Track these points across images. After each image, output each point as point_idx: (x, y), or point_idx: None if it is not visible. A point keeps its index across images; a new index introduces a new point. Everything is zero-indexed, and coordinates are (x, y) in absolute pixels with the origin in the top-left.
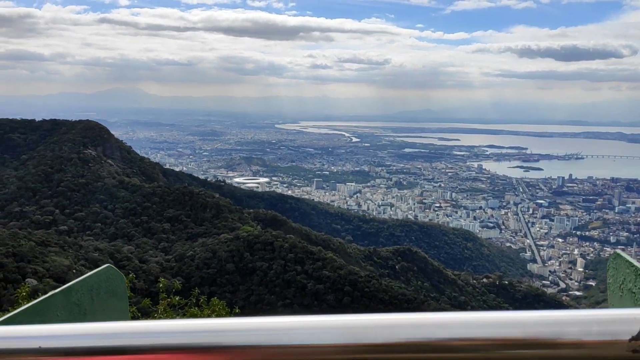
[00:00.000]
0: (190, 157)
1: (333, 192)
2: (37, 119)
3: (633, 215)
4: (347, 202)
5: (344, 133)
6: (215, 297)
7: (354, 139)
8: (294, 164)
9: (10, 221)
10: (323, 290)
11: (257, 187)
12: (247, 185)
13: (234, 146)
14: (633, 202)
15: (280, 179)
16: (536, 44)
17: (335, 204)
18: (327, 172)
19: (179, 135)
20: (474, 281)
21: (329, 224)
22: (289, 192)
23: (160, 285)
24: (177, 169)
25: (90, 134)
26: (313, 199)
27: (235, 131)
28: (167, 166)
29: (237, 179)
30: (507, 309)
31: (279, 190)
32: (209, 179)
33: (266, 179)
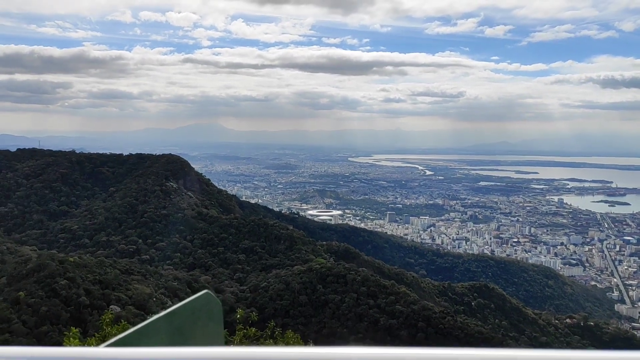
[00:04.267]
0: (266, 189)
1: (406, 225)
2: (124, 154)
3: None
4: (420, 236)
5: (417, 166)
6: (290, 330)
7: (428, 172)
8: (366, 196)
9: (98, 250)
10: (396, 325)
11: (330, 220)
12: (321, 217)
13: (308, 179)
14: None
15: (353, 211)
16: (620, 74)
17: (409, 237)
18: (400, 205)
19: (255, 169)
20: (556, 321)
21: (402, 258)
22: (362, 224)
23: (238, 316)
24: (252, 201)
25: (172, 167)
26: (386, 232)
27: (309, 164)
28: (244, 198)
29: (310, 212)
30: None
31: (351, 223)
32: (283, 211)
33: (339, 212)
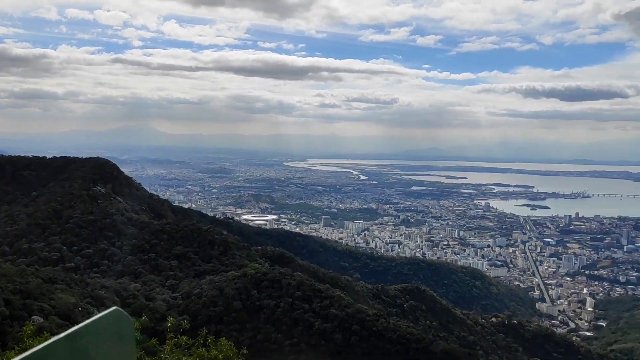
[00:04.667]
0: (199, 194)
1: (341, 229)
2: (48, 156)
3: None
4: (354, 240)
5: (352, 171)
6: (224, 337)
7: (362, 177)
8: (302, 201)
9: (19, 258)
10: (330, 329)
11: (266, 224)
12: (256, 222)
13: (243, 183)
14: None
15: (289, 216)
16: (541, 85)
17: (343, 242)
18: (335, 210)
19: (188, 173)
20: (483, 320)
21: (337, 262)
22: (297, 229)
23: (169, 324)
24: (185, 206)
25: (100, 171)
26: (321, 236)
27: (244, 169)
28: (176, 203)
29: (245, 216)
30: (516, 349)
31: (287, 228)
32: (217, 216)
33: (274, 216)
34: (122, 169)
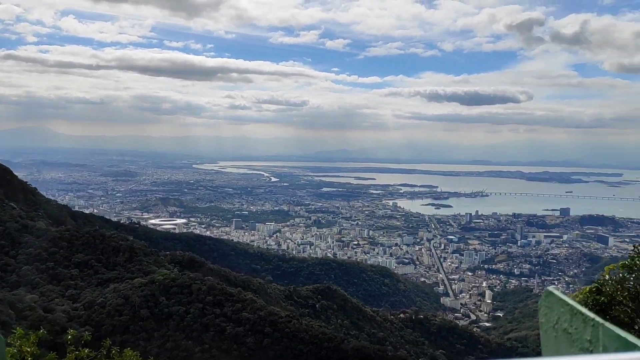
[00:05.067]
0: (102, 198)
1: (252, 231)
2: None
3: (534, 248)
4: (266, 242)
5: (263, 173)
6: (129, 348)
7: (273, 179)
8: (212, 204)
9: None
10: (243, 333)
11: (174, 229)
12: (164, 226)
13: (150, 187)
14: (533, 236)
15: (199, 219)
16: (443, 89)
17: (255, 244)
18: (247, 212)
19: (90, 176)
20: (392, 317)
21: (249, 265)
22: (208, 232)
23: (69, 336)
24: (87, 212)
25: None
26: (232, 240)
27: (151, 171)
28: (77, 208)
29: (152, 221)
30: (423, 342)
31: (197, 231)
32: (122, 221)
33: (184, 220)
34: (16, 173)
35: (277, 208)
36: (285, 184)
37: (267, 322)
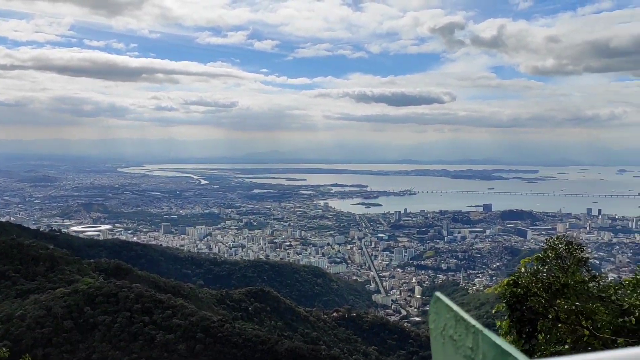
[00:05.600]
0: (19, 205)
1: (182, 236)
2: None
3: (459, 243)
4: (197, 246)
5: (192, 176)
6: None
7: (203, 182)
8: (139, 208)
9: None
10: (174, 340)
11: (99, 235)
12: (87, 233)
13: (71, 192)
14: (459, 232)
15: (125, 225)
16: (370, 90)
17: (185, 248)
18: (176, 216)
19: (5, 182)
20: (325, 316)
21: (179, 270)
22: (135, 238)
23: None
24: (3, 220)
25: None
26: (161, 245)
27: (72, 176)
28: None
29: (74, 228)
30: (356, 340)
31: (123, 238)
32: (41, 229)
33: (109, 226)
34: None
35: (207, 211)
36: (215, 186)
37: (199, 327)
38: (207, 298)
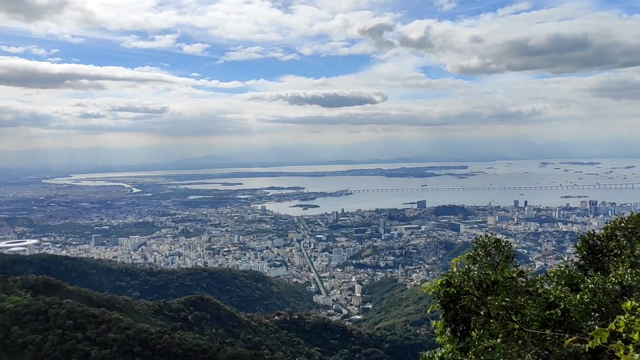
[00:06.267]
0: None
1: (115, 247)
2: None
3: (396, 240)
4: (131, 256)
5: (123, 184)
6: None
7: (135, 190)
8: (67, 220)
9: None
10: (110, 355)
11: (24, 251)
12: (12, 249)
13: None
14: (395, 229)
15: (52, 238)
16: (304, 92)
17: (119, 260)
18: (107, 227)
19: None
20: (267, 320)
21: (113, 282)
22: (64, 252)
23: None
24: None
25: None
26: (92, 257)
27: None
28: None
29: None
30: (298, 342)
31: (51, 252)
32: None
33: (35, 241)
34: None
35: (141, 220)
36: (148, 194)
37: (137, 340)
38: (144, 310)
